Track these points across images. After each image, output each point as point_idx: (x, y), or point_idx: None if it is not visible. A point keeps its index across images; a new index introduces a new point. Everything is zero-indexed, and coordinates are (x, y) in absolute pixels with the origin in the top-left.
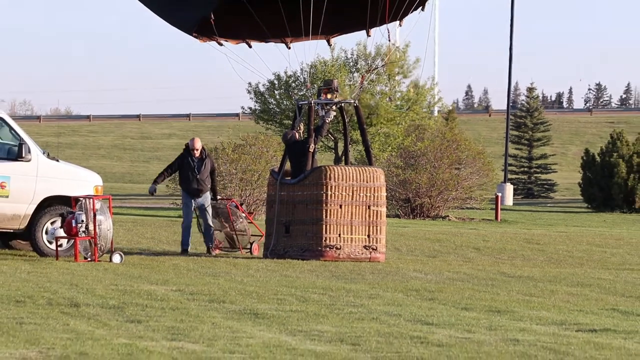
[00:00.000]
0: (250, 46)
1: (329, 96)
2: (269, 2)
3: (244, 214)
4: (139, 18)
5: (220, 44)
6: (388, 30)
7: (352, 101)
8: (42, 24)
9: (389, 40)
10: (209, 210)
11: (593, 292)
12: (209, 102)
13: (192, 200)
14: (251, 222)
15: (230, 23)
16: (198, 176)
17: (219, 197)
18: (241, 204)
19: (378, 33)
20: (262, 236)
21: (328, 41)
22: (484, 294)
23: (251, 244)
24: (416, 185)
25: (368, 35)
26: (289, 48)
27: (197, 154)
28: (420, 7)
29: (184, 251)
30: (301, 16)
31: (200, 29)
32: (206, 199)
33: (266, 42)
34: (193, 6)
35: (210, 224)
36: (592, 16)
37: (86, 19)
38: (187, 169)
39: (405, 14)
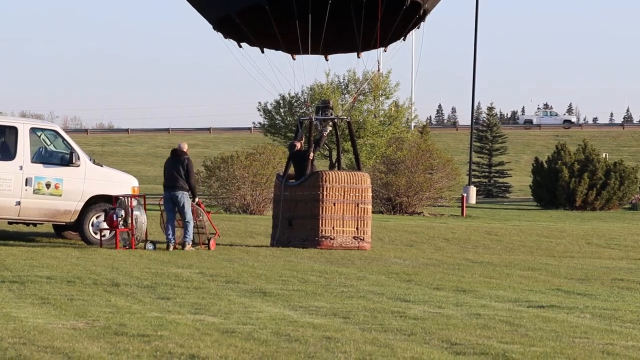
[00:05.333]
0: (262, 51)
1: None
2: (286, 19)
3: (203, 212)
4: (171, 49)
5: (240, 46)
6: (379, 62)
7: (345, 117)
8: (88, 55)
9: (379, 69)
10: None
11: (541, 275)
12: (225, 118)
13: None
14: (209, 220)
15: (252, 30)
16: None
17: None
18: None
19: (367, 61)
20: (215, 233)
21: (325, 57)
22: (452, 276)
23: (209, 240)
24: (396, 187)
25: (358, 57)
26: (294, 59)
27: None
28: (402, 38)
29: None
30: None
31: (222, 26)
32: None
33: (276, 50)
34: None
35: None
36: (542, 48)
37: (125, 49)
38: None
39: (389, 43)
